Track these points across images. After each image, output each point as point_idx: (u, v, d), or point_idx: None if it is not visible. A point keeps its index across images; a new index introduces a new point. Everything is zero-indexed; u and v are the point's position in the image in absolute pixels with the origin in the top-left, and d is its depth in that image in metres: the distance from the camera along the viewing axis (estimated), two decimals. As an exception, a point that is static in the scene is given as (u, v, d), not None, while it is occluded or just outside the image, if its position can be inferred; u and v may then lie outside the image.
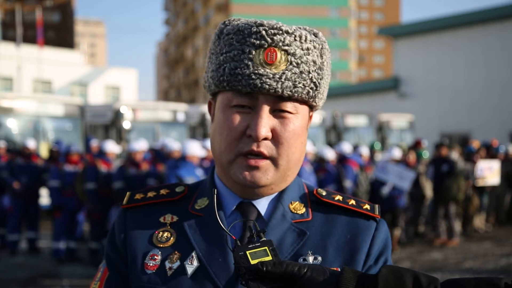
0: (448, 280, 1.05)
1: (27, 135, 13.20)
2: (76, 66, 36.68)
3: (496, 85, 23.77)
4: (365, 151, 11.57)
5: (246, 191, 1.20)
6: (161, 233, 1.22)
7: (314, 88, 1.19)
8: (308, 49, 1.17)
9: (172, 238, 1.21)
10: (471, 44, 24.55)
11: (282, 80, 1.14)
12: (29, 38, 45.09)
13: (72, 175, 9.53)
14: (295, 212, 1.23)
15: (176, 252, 1.19)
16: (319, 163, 10.51)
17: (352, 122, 18.69)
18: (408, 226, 10.82)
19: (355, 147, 12.34)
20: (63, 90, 33.86)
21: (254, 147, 1.15)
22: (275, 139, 1.17)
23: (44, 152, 13.15)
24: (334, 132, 18.11)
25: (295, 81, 1.16)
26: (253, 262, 1.03)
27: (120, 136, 14.28)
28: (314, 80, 1.19)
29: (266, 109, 1.15)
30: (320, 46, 1.20)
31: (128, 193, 1.31)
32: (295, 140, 1.19)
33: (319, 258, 1.18)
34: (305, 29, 1.19)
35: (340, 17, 77.30)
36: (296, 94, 1.16)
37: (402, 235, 10.54)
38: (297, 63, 1.16)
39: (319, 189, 1.30)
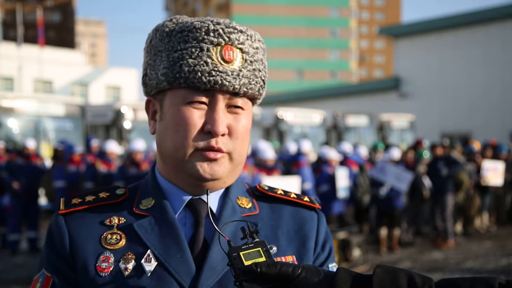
0: (443, 279, 1.04)
1: (28, 135, 13.20)
2: (77, 66, 36.72)
3: (497, 85, 23.76)
4: (363, 151, 11.55)
5: (199, 187, 1.21)
6: (109, 235, 1.20)
7: (263, 85, 1.25)
8: (257, 48, 1.22)
9: (122, 239, 1.20)
10: (472, 44, 24.55)
11: (240, 77, 1.18)
12: (30, 38, 45.16)
13: (75, 175, 9.56)
14: (243, 206, 1.27)
15: (129, 253, 1.18)
16: (317, 163, 10.52)
17: (353, 122, 18.69)
18: (408, 226, 10.80)
19: (354, 147, 12.31)
20: (64, 90, 33.89)
21: (214, 143, 1.17)
22: (231, 134, 1.19)
23: (45, 152, 13.16)
24: (335, 132, 18.11)
25: (250, 78, 1.20)
26: (247, 263, 1.02)
27: (121, 136, 14.29)
28: (263, 78, 1.24)
29: (222, 105, 1.18)
30: (263, 46, 1.26)
31: (62, 198, 1.28)
32: (247, 135, 1.23)
33: (274, 248, 1.21)
34: (252, 30, 1.23)
35: (340, 17, 77.28)
36: (250, 91, 1.20)
37: (403, 236, 10.52)
38: (251, 61, 1.20)
39: (261, 184, 1.35)
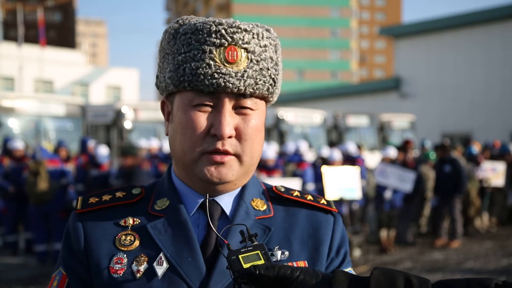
0: (439, 281, 1.05)
1: (28, 135, 13.20)
2: (78, 66, 36.73)
3: (497, 85, 23.76)
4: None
5: (210, 189, 1.20)
6: (123, 236, 1.20)
7: (273, 84, 1.21)
8: (265, 46, 1.19)
9: (136, 241, 1.19)
10: (472, 44, 24.55)
11: (244, 78, 1.15)
12: (31, 38, 45.13)
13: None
14: (257, 209, 1.25)
15: (142, 255, 1.18)
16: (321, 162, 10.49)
17: (354, 122, 18.69)
18: (410, 226, 10.80)
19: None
20: (65, 90, 33.91)
21: (219, 146, 1.15)
22: (239, 136, 1.18)
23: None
24: (336, 132, 18.11)
25: (256, 79, 1.17)
26: (245, 266, 1.03)
27: (121, 136, 14.31)
28: (273, 76, 1.21)
29: (228, 107, 1.16)
30: (275, 42, 1.22)
31: (80, 197, 1.28)
32: (257, 135, 1.21)
33: (286, 253, 1.21)
34: (260, 27, 1.21)
35: (341, 17, 77.24)
36: (257, 91, 1.18)
37: (404, 236, 10.51)
38: (257, 61, 1.17)
39: (278, 185, 1.33)
